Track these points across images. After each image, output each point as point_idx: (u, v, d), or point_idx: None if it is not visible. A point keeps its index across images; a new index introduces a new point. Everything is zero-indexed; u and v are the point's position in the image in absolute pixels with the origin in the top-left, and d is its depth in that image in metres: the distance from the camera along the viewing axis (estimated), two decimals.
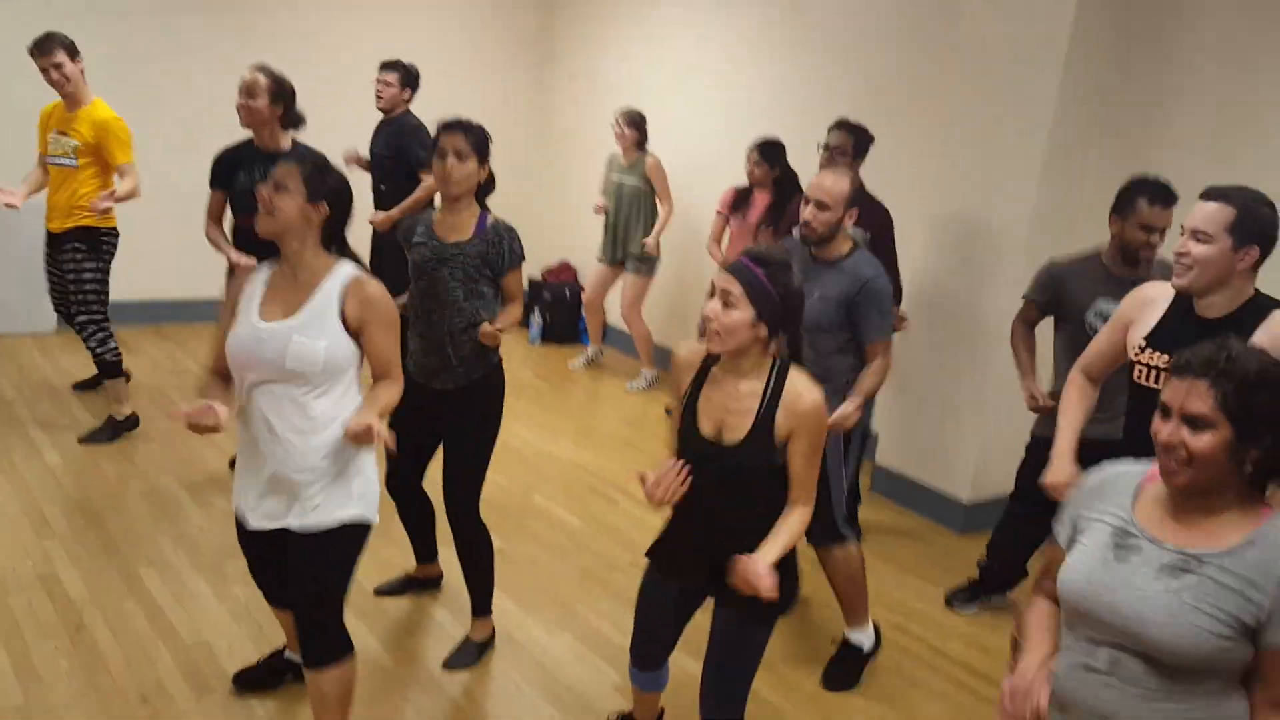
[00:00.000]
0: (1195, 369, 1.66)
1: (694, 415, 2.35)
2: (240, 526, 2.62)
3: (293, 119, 4.19)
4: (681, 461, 2.28)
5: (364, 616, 3.51)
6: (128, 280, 5.84)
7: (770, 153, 5.29)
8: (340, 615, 2.54)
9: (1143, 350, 2.62)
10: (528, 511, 4.56)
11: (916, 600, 4.05)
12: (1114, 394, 3.02)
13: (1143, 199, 3.31)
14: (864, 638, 3.46)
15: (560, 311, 7.55)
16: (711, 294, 2.26)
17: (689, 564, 2.47)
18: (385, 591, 3.72)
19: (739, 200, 5.46)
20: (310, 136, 4.28)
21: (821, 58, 5.76)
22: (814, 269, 3.22)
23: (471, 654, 3.37)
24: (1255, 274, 2.53)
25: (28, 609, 3.37)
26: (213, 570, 3.72)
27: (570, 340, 7.53)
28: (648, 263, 6.32)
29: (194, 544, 3.91)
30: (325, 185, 2.48)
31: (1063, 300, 3.52)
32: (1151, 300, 2.68)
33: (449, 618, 3.58)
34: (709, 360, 2.37)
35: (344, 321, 2.44)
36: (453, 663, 3.34)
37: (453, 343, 3.14)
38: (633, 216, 6.29)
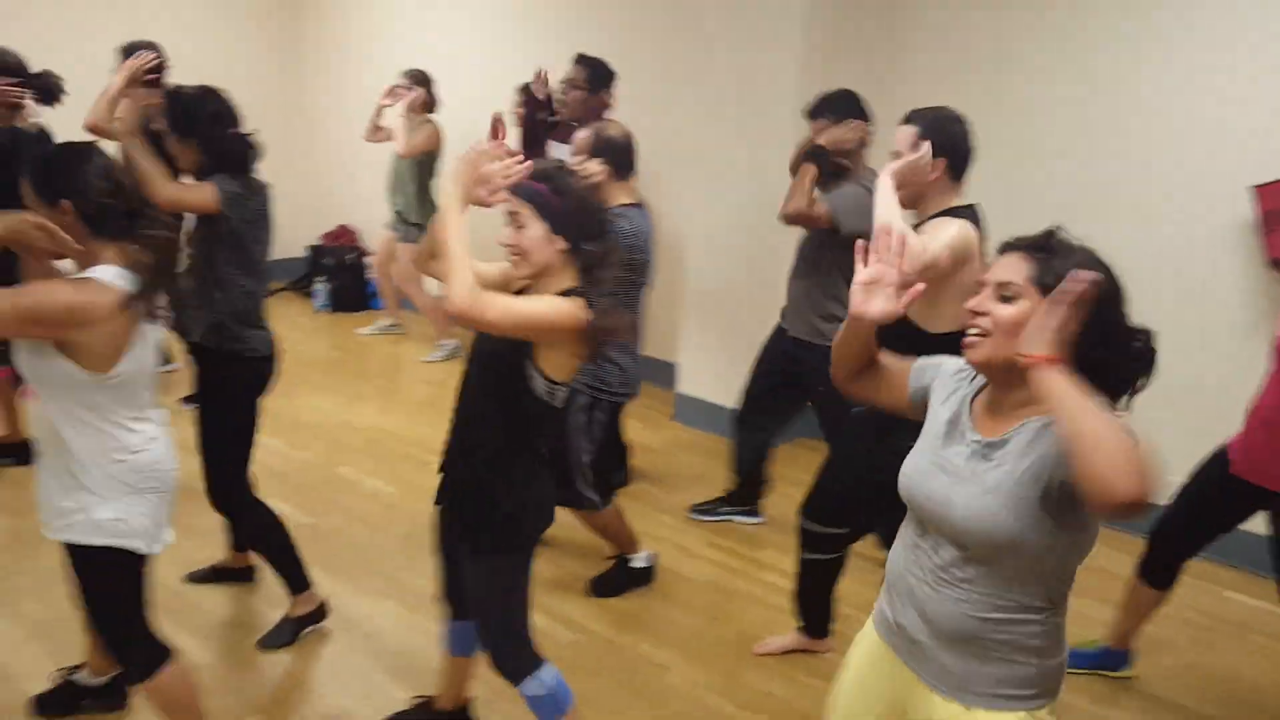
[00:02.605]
0: (1020, 245, 1.70)
1: None
2: None
3: (43, 92, 3.97)
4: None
5: (172, 614, 3.35)
6: None
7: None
8: (132, 632, 2.40)
9: None
10: (336, 485, 4.45)
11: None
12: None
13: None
14: (635, 557, 3.72)
15: (344, 277, 7.28)
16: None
17: (444, 484, 2.49)
18: (196, 579, 3.57)
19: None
20: None
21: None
22: None
23: (287, 631, 3.29)
24: (957, 184, 2.74)
25: None
26: None
27: (359, 308, 7.28)
28: (412, 227, 5.95)
29: None
30: (54, 179, 2.10)
31: None
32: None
33: (266, 607, 3.48)
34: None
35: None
36: (267, 641, 3.26)
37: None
38: (403, 181, 6.03)
